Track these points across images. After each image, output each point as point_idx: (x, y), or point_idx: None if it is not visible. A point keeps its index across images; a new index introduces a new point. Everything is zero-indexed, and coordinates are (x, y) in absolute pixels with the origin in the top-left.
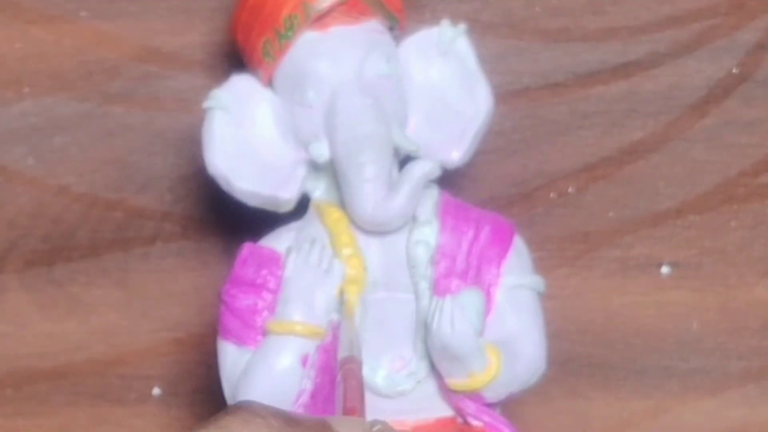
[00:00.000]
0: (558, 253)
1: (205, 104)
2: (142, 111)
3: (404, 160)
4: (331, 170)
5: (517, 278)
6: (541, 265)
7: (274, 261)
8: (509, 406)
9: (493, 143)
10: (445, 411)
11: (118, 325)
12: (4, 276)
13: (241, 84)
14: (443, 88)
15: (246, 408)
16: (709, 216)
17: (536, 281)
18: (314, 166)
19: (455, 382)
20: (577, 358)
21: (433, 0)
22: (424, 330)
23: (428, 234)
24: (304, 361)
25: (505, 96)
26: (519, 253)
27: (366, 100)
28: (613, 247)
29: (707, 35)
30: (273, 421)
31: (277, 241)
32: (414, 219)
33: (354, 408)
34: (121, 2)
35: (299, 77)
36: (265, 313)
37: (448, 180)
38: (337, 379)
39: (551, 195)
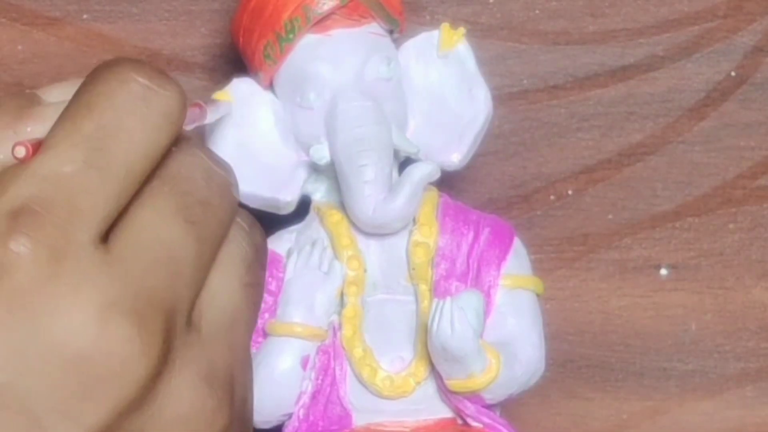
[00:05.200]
0: (557, 255)
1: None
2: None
3: (404, 163)
4: (331, 172)
5: (516, 280)
6: (540, 267)
7: (274, 263)
8: (508, 407)
9: (492, 145)
10: (445, 412)
11: None
12: None
13: (242, 86)
14: (443, 90)
15: None
16: (707, 218)
17: (535, 283)
18: (315, 169)
19: (455, 383)
20: (576, 359)
21: (432, 3)
22: (424, 332)
23: (428, 236)
24: (304, 362)
25: (503, 98)
26: (518, 255)
27: (366, 102)
28: (611, 249)
29: (705, 38)
30: None
31: (278, 243)
32: (414, 221)
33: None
34: (122, 5)
35: (300, 80)
36: (265, 315)
37: (447, 182)
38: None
39: (550, 197)
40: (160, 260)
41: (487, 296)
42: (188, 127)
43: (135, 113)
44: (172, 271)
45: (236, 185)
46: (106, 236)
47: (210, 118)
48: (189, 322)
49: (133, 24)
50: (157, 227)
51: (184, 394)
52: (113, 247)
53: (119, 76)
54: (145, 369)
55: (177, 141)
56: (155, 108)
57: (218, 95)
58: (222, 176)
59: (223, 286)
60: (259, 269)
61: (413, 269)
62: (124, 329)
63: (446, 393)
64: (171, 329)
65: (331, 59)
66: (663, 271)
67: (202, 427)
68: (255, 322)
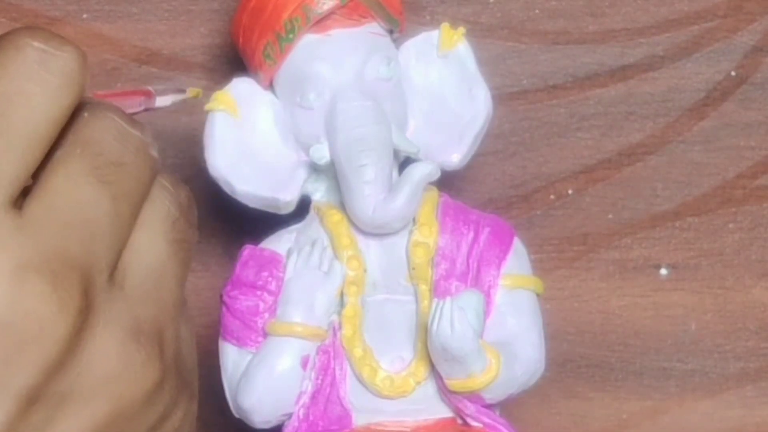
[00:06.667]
0: (557, 254)
1: (207, 106)
2: (142, 112)
3: (404, 163)
4: (331, 172)
5: (516, 280)
6: (540, 267)
7: (275, 263)
8: (508, 407)
9: (492, 145)
10: (445, 412)
11: None
12: None
13: (242, 86)
14: (443, 90)
15: None
16: (707, 218)
17: (535, 283)
18: (315, 169)
19: (455, 383)
20: (576, 359)
21: (432, 2)
22: (424, 332)
23: (428, 236)
24: (304, 362)
25: (503, 98)
26: (518, 254)
27: (366, 102)
28: (611, 248)
29: (705, 38)
30: None
31: (278, 243)
32: (414, 221)
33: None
34: (121, 4)
35: (300, 80)
36: (265, 315)
37: (447, 182)
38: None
39: (550, 197)
40: (74, 221)
41: (487, 296)
42: (136, 110)
43: (33, 78)
44: (87, 231)
45: (154, 145)
46: (19, 202)
47: (161, 102)
48: (111, 279)
49: (132, 24)
50: (70, 189)
51: (111, 350)
52: (26, 211)
53: (14, 43)
54: (65, 327)
55: (90, 106)
56: (54, 71)
57: (218, 95)
58: (137, 137)
59: (147, 243)
60: (185, 225)
61: (413, 269)
62: (40, 289)
63: (446, 393)
64: (89, 287)
65: (331, 59)
66: (663, 271)
67: (132, 381)
68: (185, 276)
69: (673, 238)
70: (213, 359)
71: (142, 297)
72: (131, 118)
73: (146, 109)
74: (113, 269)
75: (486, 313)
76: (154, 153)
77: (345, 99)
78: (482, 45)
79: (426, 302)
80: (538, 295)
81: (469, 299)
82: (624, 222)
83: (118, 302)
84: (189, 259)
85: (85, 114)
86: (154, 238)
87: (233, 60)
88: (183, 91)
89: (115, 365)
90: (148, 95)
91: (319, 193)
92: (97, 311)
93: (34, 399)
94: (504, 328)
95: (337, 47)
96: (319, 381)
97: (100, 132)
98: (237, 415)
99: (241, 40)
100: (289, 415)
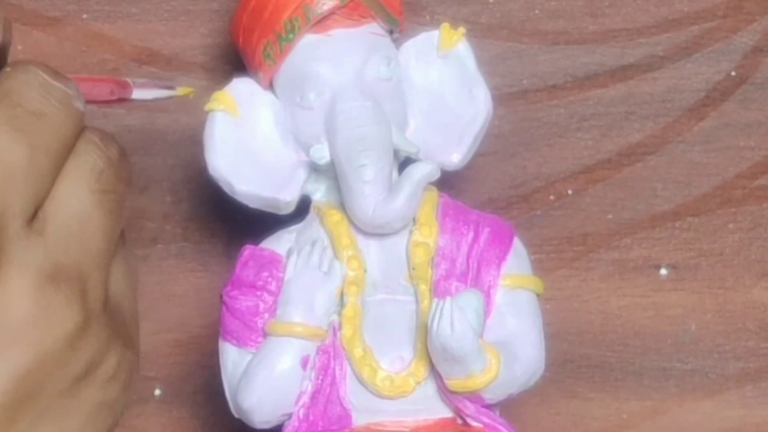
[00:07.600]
0: (557, 254)
1: (207, 106)
2: (143, 112)
3: (404, 163)
4: (331, 172)
5: (516, 280)
6: (539, 267)
7: (274, 263)
8: (508, 407)
9: (492, 145)
10: (444, 412)
11: None
12: None
13: (242, 87)
14: (443, 90)
15: None
16: (707, 218)
17: (535, 283)
18: (315, 169)
19: (455, 383)
20: (576, 359)
21: (432, 3)
22: (424, 332)
23: (428, 236)
24: (304, 362)
25: (503, 98)
26: (518, 254)
27: (366, 102)
28: (611, 249)
29: (705, 38)
30: None
31: (278, 243)
32: (414, 221)
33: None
34: (121, 5)
35: (300, 80)
36: (265, 315)
37: (447, 182)
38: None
39: (550, 197)
40: None
41: (487, 296)
42: (108, 98)
43: None
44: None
45: (79, 98)
46: None
47: (140, 94)
48: (29, 226)
49: (132, 24)
50: None
51: (27, 293)
52: None
53: None
54: None
55: (15, 63)
56: None
57: (218, 95)
58: (60, 89)
59: (70, 193)
60: (112, 178)
61: (413, 269)
62: None
63: (446, 393)
64: (1, 231)
65: (331, 59)
66: (663, 271)
67: (52, 325)
68: (115, 227)
69: (673, 238)
70: (213, 359)
71: (62, 244)
72: (57, 72)
73: (120, 99)
74: (31, 216)
75: (486, 313)
76: (80, 106)
77: (345, 99)
78: (482, 45)
79: (426, 302)
80: (538, 295)
81: (469, 299)
82: (624, 222)
83: (36, 248)
84: (119, 211)
85: (8, 69)
86: (78, 189)
87: (233, 60)
88: (172, 88)
89: (33, 308)
90: (123, 85)
91: (319, 193)
92: (10, 255)
93: None
94: (504, 328)
95: (337, 47)
96: (319, 381)
97: (20, 84)
98: (237, 415)
99: (241, 40)
100: (289, 415)
